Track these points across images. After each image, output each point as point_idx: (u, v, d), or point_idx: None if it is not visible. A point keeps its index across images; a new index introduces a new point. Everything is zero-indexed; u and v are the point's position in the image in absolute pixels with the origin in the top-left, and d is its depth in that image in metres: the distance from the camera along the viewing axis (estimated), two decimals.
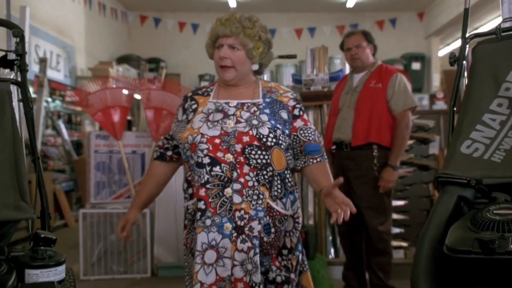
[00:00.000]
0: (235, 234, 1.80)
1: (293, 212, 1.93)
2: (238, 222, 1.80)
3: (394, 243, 3.85)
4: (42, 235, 1.49)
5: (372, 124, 3.15)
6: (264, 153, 1.83)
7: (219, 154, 1.82)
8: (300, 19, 10.24)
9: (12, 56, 1.85)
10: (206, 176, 1.81)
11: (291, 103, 1.96)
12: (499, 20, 1.91)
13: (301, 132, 1.94)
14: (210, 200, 1.81)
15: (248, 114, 1.88)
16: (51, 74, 6.95)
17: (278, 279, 1.89)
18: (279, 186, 1.87)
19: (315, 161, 1.93)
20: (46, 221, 1.70)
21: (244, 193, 1.81)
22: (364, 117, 3.17)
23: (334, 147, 3.35)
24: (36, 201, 1.69)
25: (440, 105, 8.11)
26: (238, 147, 1.82)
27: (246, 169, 1.81)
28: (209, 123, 1.87)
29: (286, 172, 1.90)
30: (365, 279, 3.34)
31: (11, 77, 1.85)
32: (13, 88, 1.83)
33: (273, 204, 1.84)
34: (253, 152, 1.82)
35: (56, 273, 1.42)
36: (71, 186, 6.89)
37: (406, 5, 9.92)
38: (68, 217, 6.42)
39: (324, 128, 3.81)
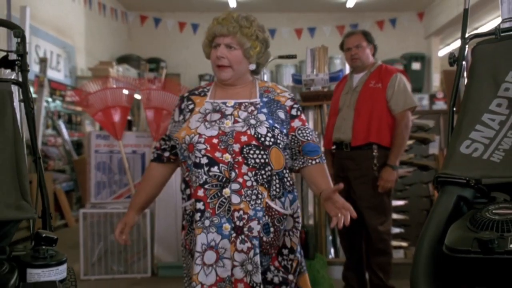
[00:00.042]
0: (234, 235, 1.79)
1: (293, 211, 1.92)
2: (237, 223, 1.79)
3: (394, 243, 3.85)
4: (44, 235, 1.50)
5: (372, 124, 3.16)
6: (262, 152, 1.82)
7: (217, 154, 1.81)
8: (300, 19, 10.24)
9: (13, 56, 1.85)
10: (204, 177, 1.80)
11: (289, 103, 1.96)
12: (499, 20, 1.92)
13: (299, 132, 1.93)
14: (208, 200, 1.80)
15: (245, 114, 1.87)
16: (51, 74, 6.96)
17: (276, 280, 1.87)
18: (277, 185, 1.86)
19: (314, 162, 1.92)
20: (47, 221, 1.70)
21: (243, 193, 1.80)
22: (364, 117, 3.18)
23: (334, 147, 3.36)
24: (37, 201, 1.70)
25: (440, 105, 8.12)
26: (236, 147, 1.81)
27: (244, 169, 1.80)
28: (206, 123, 1.86)
29: (284, 171, 1.90)
30: (365, 279, 3.34)
31: (12, 77, 1.86)
32: (14, 89, 1.83)
33: (272, 204, 1.84)
34: (252, 152, 1.81)
35: (58, 273, 1.43)
36: (71, 186, 6.89)
37: (406, 5, 9.93)
38: (68, 217, 6.43)
39: (324, 128, 3.81)
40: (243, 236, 1.79)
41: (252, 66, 1.95)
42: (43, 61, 6.34)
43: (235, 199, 1.79)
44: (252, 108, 1.89)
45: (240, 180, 1.80)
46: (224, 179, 1.80)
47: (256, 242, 1.79)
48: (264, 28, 1.96)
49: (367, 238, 3.22)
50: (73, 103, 7.21)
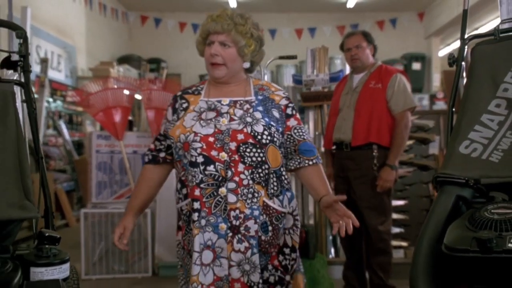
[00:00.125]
0: (230, 234, 1.77)
1: (292, 209, 1.91)
2: (233, 222, 1.77)
3: (394, 242, 3.86)
4: (47, 234, 1.51)
5: (372, 124, 3.17)
6: (259, 150, 1.80)
7: (213, 153, 1.78)
8: (301, 19, 10.25)
9: (15, 57, 1.86)
10: (200, 176, 1.77)
11: (283, 102, 1.94)
12: (499, 20, 1.93)
13: (295, 131, 1.92)
14: (204, 199, 1.77)
15: (241, 112, 1.84)
16: (52, 74, 6.97)
17: (271, 279, 1.85)
18: (275, 183, 1.84)
19: (310, 162, 1.91)
20: (50, 220, 1.71)
21: (239, 192, 1.77)
22: (364, 117, 3.19)
23: (334, 147, 3.37)
24: (40, 200, 1.71)
25: (440, 105, 8.12)
26: (233, 145, 1.79)
27: (241, 167, 1.78)
28: (202, 121, 1.83)
29: (282, 169, 1.88)
30: (365, 279, 3.35)
31: (15, 78, 1.87)
32: (17, 89, 1.84)
33: (269, 202, 1.82)
34: (248, 150, 1.79)
35: (61, 271, 1.44)
36: (72, 186, 6.90)
37: (407, 5, 9.93)
38: (69, 217, 6.44)
39: (324, 128, 3.82)
40: (240, 236, 1.77)
41: (246, 64, 1.92)
42: (44, 62, 6.36)
43: (231, 198, 1.77)
44: (248, 106, 1.87)
45: (237, 178, 1.77)
46: (220, 178, 1.77)
47: (253, 241, 1.78)
48: (258, 25, 1.93)
49: (367, 238, 3.23)
50: (74, 103, 7.22)
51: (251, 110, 1.85)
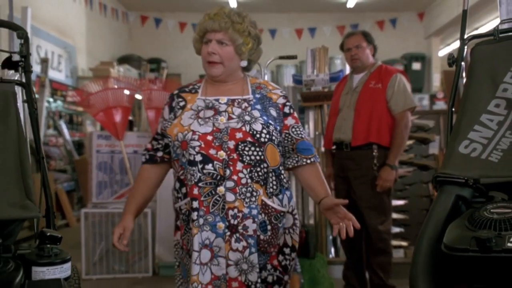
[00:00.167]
0: (228, 233, 1.76)
1: (291, 208, 1.91)
2: (232, 221, 1.76)
3: (394, 242, 3.87)
4: (48, 233, 1.51)
5: (372, 124, 3.17)
6: (258, 149, 1.80)
7: (212, 152, 1.77)
8: (301, 19, 10.25)
9: (16, 57, 1.86)
10: (198, 174, 1.76)
11: (281, 100, 1.93)
12: (499, 20, 1.93)
13: (293, 130, 1.91)
14: (202, 198, 1.76)
15: (239, 110, 1.83)
16: (52, 74, 6.98)
17: (269, 278, 1.85)
18: (274, 182, 1.84)
19: (308, 161, 1.90)
20: (51, 220, 1.72)
21: (237, 191, 1.76)
22: (364, 117, 3.19)
23: (334, 147, 3.37)
24: (41, 200, 1.71)
25: (440, 105, 8.12)
26: (231, 144, 1.78)
27: (239, 166, 1.77)
28: (199, 120, 1.82)
29: (281, 168, 1.87)
30: (365, 279, 3.36)
31: (16, 78, 1.87)
32: (18, 89, 1.84)
33: (268, 201, 1.81)
34: (247, 149, 1.78)
35: (62, 271, 1.44)
36: (73, 186, 6.91)
37: (407, 5, 9.94)
38: (69, 217, 6.45)
39: (324, 128, 3.83)
40: (238, 235, 1.77)
41: (244, 63, 1.91)
42: (44, 62, 6.37)
43: (230, 197, 1.76)
44: (246, 104, 1.86)
45: (235, 177, 1.76)
46: (219, 176, 1.76)
47: (252, 241, 1.77)
48: (256, 24, 1.91)
49: (367, 237, 3.24)
50: (74, 103, 7.23)
51: (249, 109, 1.85)
